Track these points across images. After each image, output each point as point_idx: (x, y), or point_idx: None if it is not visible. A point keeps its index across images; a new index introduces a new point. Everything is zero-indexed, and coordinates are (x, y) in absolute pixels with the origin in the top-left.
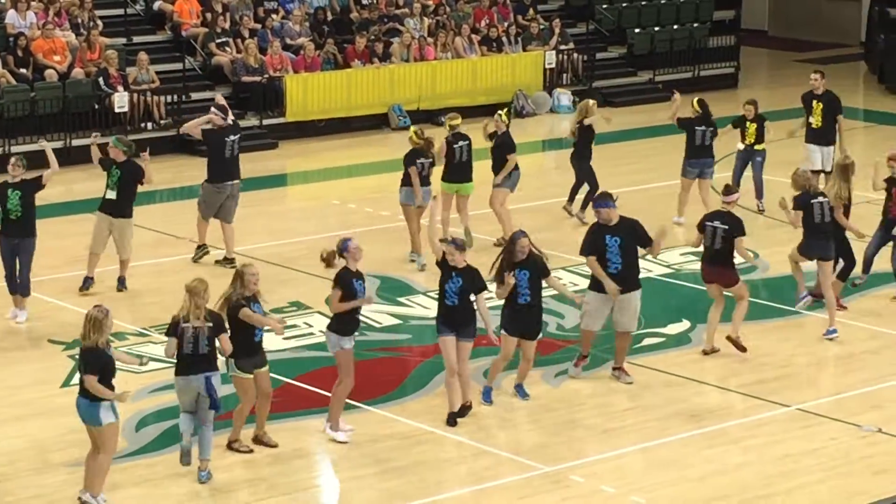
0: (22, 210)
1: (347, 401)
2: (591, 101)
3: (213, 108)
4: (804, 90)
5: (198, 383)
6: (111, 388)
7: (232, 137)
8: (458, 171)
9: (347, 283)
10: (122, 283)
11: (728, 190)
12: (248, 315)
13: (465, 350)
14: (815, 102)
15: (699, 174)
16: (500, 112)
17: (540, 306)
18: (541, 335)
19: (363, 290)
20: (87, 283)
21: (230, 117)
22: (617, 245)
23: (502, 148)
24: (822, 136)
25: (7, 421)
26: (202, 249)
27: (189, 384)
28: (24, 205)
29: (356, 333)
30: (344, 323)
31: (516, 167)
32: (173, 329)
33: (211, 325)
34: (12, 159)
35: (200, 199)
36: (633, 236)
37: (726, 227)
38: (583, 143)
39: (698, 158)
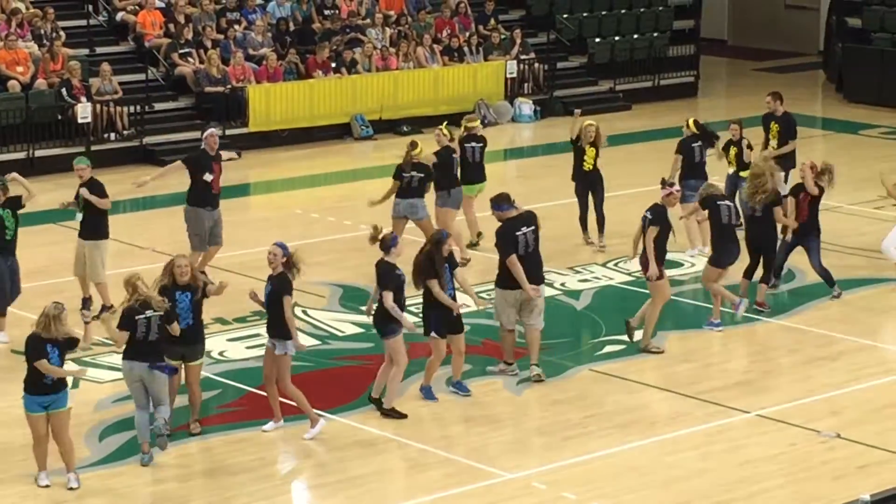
0: (15, 229)
1: (318, 411)
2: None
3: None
4: (763, 98)
5: (139, 370)
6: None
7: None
8: (473, 172)
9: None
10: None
11: (663, 183)
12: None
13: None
14: (772, 124)
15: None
16: (440, 127)
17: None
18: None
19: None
20: (86, 303)
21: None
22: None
23: (444, 165)
24: (783, 158)
25: None
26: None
27: (132, 370)
28: (17, 223)
29: None
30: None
31: (458, 185)
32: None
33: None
34: None
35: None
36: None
37: (650, 217)
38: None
39: (697, 179)
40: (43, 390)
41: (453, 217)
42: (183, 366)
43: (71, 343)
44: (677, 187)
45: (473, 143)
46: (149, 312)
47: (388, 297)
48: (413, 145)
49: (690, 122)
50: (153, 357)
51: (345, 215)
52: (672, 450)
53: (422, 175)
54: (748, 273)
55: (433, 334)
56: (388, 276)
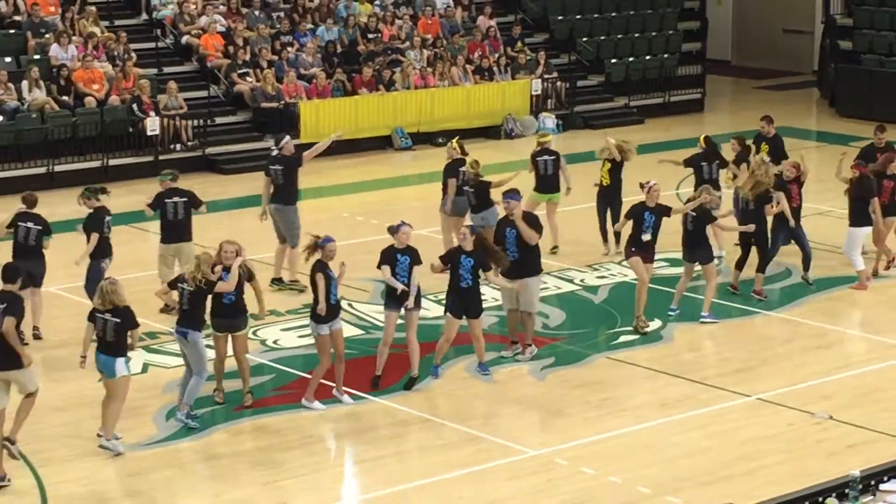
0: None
1: (357, 392)
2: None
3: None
4: (763, 114)
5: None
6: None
7: (277, 167)
8: (545, 183)
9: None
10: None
11: (641, 186)
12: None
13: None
14: (763, 144)
15: None
16: (451, 141)
17: (478, 290)
18: (482, 314)
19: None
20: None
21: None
22: (514, 237)
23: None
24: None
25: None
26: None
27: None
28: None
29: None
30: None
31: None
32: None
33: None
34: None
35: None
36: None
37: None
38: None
39: None
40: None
41: (447, 222)
42: (230, 337)
43: (123, 313)
44: (654, 182)
45: (546, 157)
46: (184, 285)
47: (386, 270)
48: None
49: (702, 139)
50: (185, 323)
51: (386, 218)
52: (680, 430)
53: (473, 191)
54: (739, 264)
55: (447, 315)
56: (386, 255)
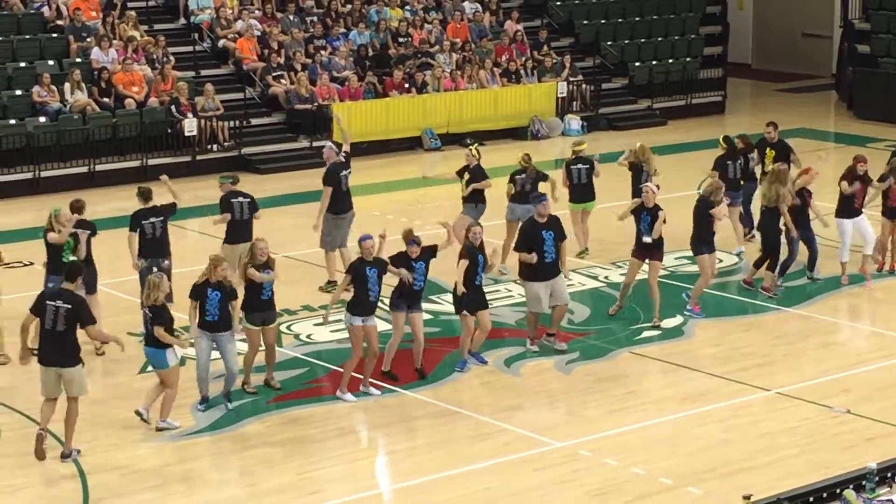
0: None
1: (387, 385)
2: (639, 144)
3: (328, 143)
4: (782, 116)
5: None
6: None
7: (344, 172)
8: (579, 192)
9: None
10: None
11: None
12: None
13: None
14: (768, 149)
15: (731, 203)
16: (470, 147)
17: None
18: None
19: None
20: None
21: (342, 152)
22: (552, 238)
23: (475, 180)
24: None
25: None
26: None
27: None
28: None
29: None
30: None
31: (483, 200)
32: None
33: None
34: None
35: (324, 234)
36: (560, 230)
37: None
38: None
39: (733, 191)
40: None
41: (465, 222)
42: (263, 329)
43: (162, 311)
44: (650, 185)
45: (580, 165)
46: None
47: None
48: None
49: (721, 139)
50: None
51: (416, 216)
52: (700, 423)
53: (532, 181)
54: (758, 263)
55: (464, 312)
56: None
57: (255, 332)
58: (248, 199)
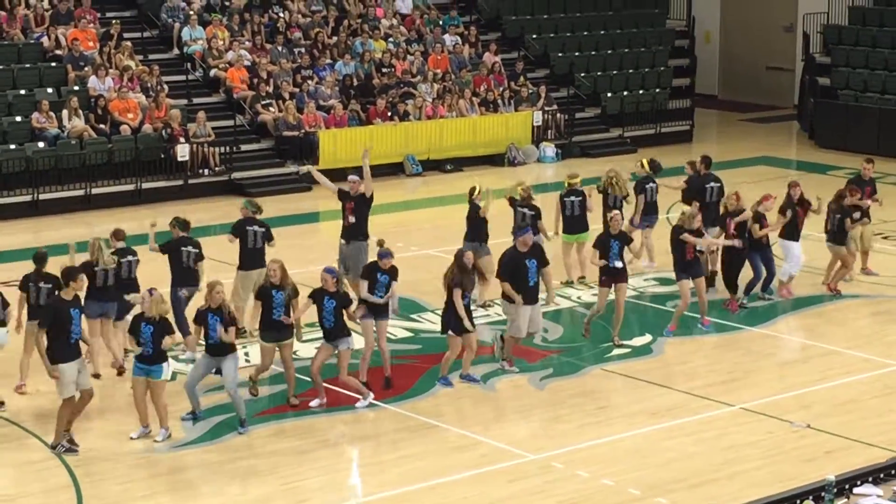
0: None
1: (371, 401)
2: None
3: (350, 177)
4: (747, 145)
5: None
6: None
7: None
8: (573, 224)
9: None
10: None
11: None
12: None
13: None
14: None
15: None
16: (478, 189)
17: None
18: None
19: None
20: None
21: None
22: (534, 266)
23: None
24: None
25: None
26: None
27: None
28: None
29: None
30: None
31: (486, 239)
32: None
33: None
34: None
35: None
36: (542, 258)
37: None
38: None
39: (650, 215)
40: (142, 360)
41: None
42: (279, 346)
43: (165, 324)
44: (617, 212)
45: (573, 198)
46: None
47: (364, 285)
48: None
49: (644, 162)
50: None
51: (398, 238)
52: (669, 436)
53: (532, 213)
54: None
55: (450, 332)
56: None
57: (270, 349)
58: (264, 229)
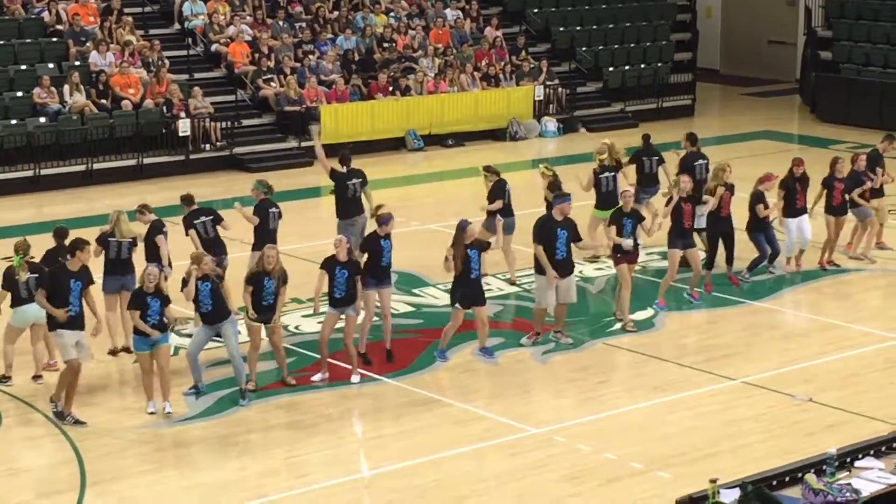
0: None
1: (371, 373)
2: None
3: (341, 153)
4: (748, 119)
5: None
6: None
7: (354, 181)
8: (607, 200)
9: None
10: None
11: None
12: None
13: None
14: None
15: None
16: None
17: (481, 281)
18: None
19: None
20: None
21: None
22: (565, 237)
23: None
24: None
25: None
26: None
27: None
28: None
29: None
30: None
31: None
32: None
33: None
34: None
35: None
36: (574, 231)
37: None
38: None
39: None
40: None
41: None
42: (265, 328)
43: (167, 297)
44: (629, 189)
45: (607, 173)
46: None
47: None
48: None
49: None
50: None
51: (400, 214)
52: (670, 410)
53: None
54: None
55: (456, 305)
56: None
57: (257, 329)
58: (278, 210)
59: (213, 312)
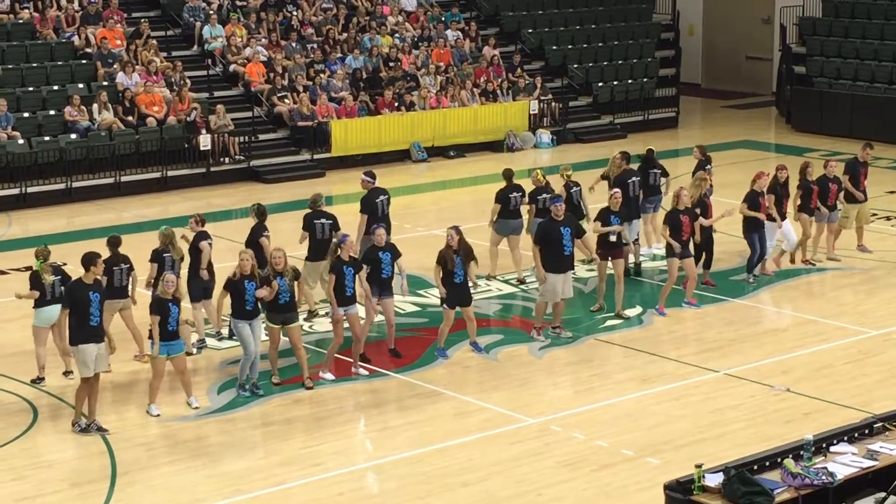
0: None
1: (379, 369)
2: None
3: (363, 175)
4: (728, 130)
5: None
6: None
7: (381, 198)
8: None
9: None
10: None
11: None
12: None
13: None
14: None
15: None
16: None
17: (467, 282)
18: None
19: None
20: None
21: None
22: (568, 234)
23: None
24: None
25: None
26: None
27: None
28: None
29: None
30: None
31: (519, 217)
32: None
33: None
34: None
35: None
36: (577, 227)
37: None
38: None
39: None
40: (167, 338)
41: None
42: (285, 328)
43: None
44: (618, 191)
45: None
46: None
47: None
48: (562, 170)
49: (646, 150)
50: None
51: (406, 220)
52: (658, 401)
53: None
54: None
55: (444, 306)
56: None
57: (276, 330)
58: (331, 221)
59: (254, 310)
